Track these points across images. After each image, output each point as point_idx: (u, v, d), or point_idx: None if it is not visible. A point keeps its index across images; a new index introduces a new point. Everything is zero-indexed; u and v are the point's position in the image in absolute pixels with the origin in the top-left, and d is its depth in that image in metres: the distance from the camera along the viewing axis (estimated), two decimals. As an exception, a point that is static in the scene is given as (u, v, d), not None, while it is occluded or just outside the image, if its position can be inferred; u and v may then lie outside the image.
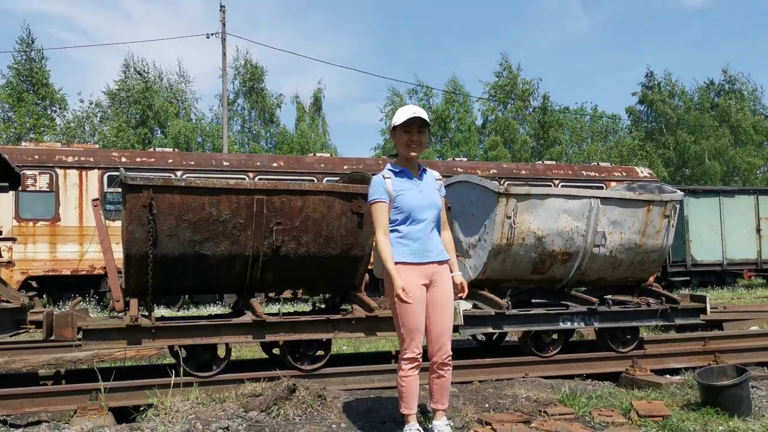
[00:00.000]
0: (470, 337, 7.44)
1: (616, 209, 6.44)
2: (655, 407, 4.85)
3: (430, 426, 4.06)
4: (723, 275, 19.98)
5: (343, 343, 9.10)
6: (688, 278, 19.31)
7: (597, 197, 6.35)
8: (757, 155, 42.09)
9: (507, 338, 7.83)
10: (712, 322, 9.95)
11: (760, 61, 68.48)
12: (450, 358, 4.00)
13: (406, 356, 3.92)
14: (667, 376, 6.35)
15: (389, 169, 4.01)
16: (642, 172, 19.88)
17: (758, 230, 19.55)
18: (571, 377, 6.16)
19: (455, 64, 75.89)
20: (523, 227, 6.14)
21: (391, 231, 3.92)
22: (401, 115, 3.90)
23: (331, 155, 19.40)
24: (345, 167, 16.04)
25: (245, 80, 38.44)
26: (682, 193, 6.80)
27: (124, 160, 14.90)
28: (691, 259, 19.05)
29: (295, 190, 5.47)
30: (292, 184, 5.70)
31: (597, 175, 18.87)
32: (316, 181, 15.38)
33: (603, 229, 6.41)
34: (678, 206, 6.68)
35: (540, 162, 22.29)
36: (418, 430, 3.96)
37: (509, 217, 6.06)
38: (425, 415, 4.61)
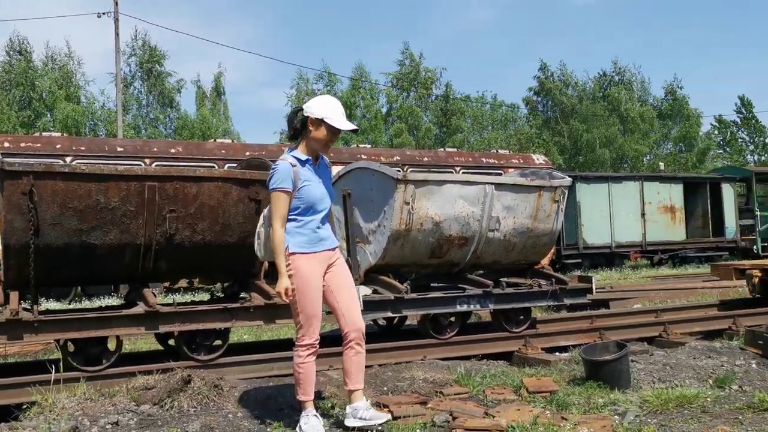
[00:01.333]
0: (371, 322, 7.51)
1: (510, 195, 6.65)
2: (544, 383, 5.07)
3: (350, 410, 4.03)
4: (612, 257, 21.06)
5: (244, 332, 8.98)
6: (580, 260, 20.23)
7: (491, 183, 6.54)
8: (644, 143, 44.61)
9: (407, 322, 7.96)
10: (600, 301, 10.50)
11: (647, 54, 72.41)
12: (364, 333, 4.08)
13: (303, 342, 3.95)
14: (557, 353, 6.64)
15: (295, 157, 3.94)
16: (538, 159, 20.63)
17: (643, 214, 20.72)
18: (467, 358, 6.34)
19: (361, 51, 75.97)
20: (421, 213, 6.25)
21: (290, 219, 3.91)
22: (338, 118, 3.89)
23: (233, 141, 19.00)
24: (247, 153, 15.74)
25: (142, 62, 36.96)
26: (571, 179, 7.12)
27: (7, 145, 14.02)
28: (583, 243, 19.97)
29: (189, 176, 5.33)
30: (186, 169, 5.56)
31: (496, 162, 19.43)
32: (216, 167, 15.02)
33: (497, 214, 6.61)
34: (566, 192, 6.99)
35: (442, 149, 22.72)
36: (315, 416, 3.98)
37: (408, 203, 6.14)
38: (327, 400, 4.64)
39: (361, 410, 4.00)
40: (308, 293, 3.88)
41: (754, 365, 5.51)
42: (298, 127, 3.97)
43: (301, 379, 3.97)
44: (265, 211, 4.13)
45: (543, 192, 6.81)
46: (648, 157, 45.32)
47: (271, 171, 3.93)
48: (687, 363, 5.59)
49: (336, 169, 6.57)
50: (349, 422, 4.00)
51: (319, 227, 3.97)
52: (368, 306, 6.06)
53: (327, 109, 3.90)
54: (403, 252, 6.36)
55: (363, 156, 16.59)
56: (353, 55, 66.88)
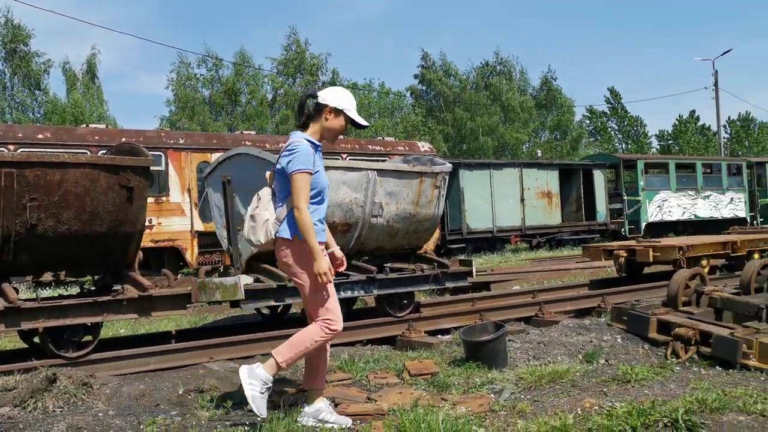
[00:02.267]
0: (254, 311, 7.37)
1: (392, 181, 6.70)
2: (425, 366, 5.16)
3: (312, 410, 3.85)
4: (494, 241, 21.80)
5: (120, 325, 8.57)
6: (464, 245, 20.80)
7: (374, 169, 6.56)
8: (523, 132, 46.42)
9: (293, 310, 7.88)
10: (482, 284, 10.83)
11: (527, 45, 75.34)
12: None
13: (333, 327, 3.78)
14: (439, 336, 6.80)
15: (310, 141, 3.79)
16: (423, 146, 20.97)
17: (522, 200, 21.56)
18: (352, 344, 6.36)
19: (245, 35, 74.22)
20: (303, 199, 6.16)
21: None
22: (355, 112, 3.87)
23: (108, 126, 18.04)
24: (123, 139, 14.98)
25: (5, 42, 34.33)
26: (451, 165, 7.27)
27: None
28: (467, 228, 20.53)
29: (51, 162, 4.98)
30: (48, 155, 5.19)
31: (382, 149, 19.57)
32: (90, 154, 14.21)
33: (380, 200, 6.64)
34: (447, 177, 7.13)
35: (328, 136, 22.54)
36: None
37: (289, 190, 6.04)
38: (206, 393, 4.49)
39: (323, 412, 3.85)
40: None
41: (619, 340, 5.84)
42: (312, 113, 3.85)
43: (301, 351, 3.77)
44: (262, 192, 3.91)
45: (425, 178, 6.91)
46: (527, 145, 47.23)
47: (292, 151, 3.70)
48: (559, 340, 5.85)
49: (216, 156, 6.37)
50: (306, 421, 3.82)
51: (325, 217, 3.89)
52: (250, 295, 5.93)
53: (347, 101, 3.86)
54: (286, 239, 6.26)
55: (247, 143, 16.20)
56: (236, 40, 65.09)
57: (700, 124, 61.83)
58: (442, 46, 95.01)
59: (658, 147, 61.03)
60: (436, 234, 18.22)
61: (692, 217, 24.81)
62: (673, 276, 6.45)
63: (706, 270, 9.61)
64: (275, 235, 3.75)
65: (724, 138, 50.34)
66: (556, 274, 12.36)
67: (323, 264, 3.64)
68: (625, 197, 23.72)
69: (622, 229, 23.54)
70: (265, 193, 3.90)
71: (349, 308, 7.08)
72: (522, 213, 21.60)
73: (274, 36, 77.63)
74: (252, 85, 39.25)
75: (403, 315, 6.95)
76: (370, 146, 19.52)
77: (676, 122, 61.56)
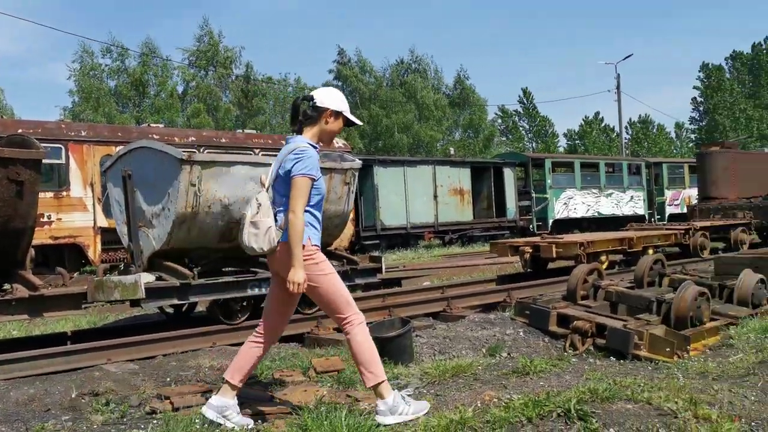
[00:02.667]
0: (157, 310, 7.15)
1: (301, 177, 6.63)
2: (332, 363, 5.14)
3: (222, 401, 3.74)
4: (408, 237, 22.03)
5: (13, 326, 8.12)
6: (378, 241, 20.92)
7: (282, 165, 6.47)
8: (438, 130, 47.16)
9: (199, 308, 7.69)
10: (393, 280, 10.93)
11: (441, 44, 76.47)
12: None
13: (359, 320, 3.75)
14: (348, 332, 6.79)
15: (314, 147, 3.72)
16: (337, 142, 20.90)
17: (435, 197, 21.88)
18: (259, 342, 6.26)
19: (156, 26, 71.86)
20: (209, 195, 6.02)
21: (306, 211, 3.65)
22: (349, 110, 3.87)
23: (3, 117, 17.05)
24: (19, 130, 14.20)
25: None
26: (361, 161, 7.27)
27: None
28: (381, 224, 20.65)
29: (-71, 154, 4.65)
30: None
31: (296, 144, 19.39)
32: (-18, 146, 13.38)
33: (288, 196, 6.56)
34: (357, 174, 7.13)
35: (241, 131, 22.21)
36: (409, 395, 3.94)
37: (194, 185, 5.89)
38: (102, 396, 4.31)
39: (230, 410, 3.76)
40: (338, 278, 3.80)
41: (521, 333, 6.01)
42: (309, 116, 3.78)
43: (373, 355, 3.74)
44: (261, 197, 3.73)
45: (334, 174, 6.88)
46: (441, 143, 48.01)
47: (301, 155, 3.61)
48: (465, 335, 5.96)
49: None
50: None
51: (320, 221, 3.85)
52: (151, 293, 5.75)
53: (344, 102, 3.86)
54: (190, 236, 6.10)
55: (154, 136, 15.69)
56: (143, 29, 62.88)
57: (604, 124, 64.69)
58: (358, 42, 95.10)
59: (565, 146, 63.40)
60: (350, 230, 18.25)
61: (596, 214, 25.88)
62: (572, 271, 6.69)
63: (605, 265, 10.04)
64: (278, 241, 3.67)
65: (626, 139, 52.83)
66: (466, 269, 12.62)
67: (300, 274, 3.57)
68: (534, 195, 24.47)
69: (531, 226, 24.27)
70: (265, 198, 3.75)
71: (257, 306, 6.95)
72: (435, 210, 21.90)
73: (186, 27, 75.54)
74: (161, 76, 38.03)
75: (312, 312, 6.90)
76: (283, 142, 19.28)
77: (582, 123, 64.14)
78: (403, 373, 4.86)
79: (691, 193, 24.82)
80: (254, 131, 23.02)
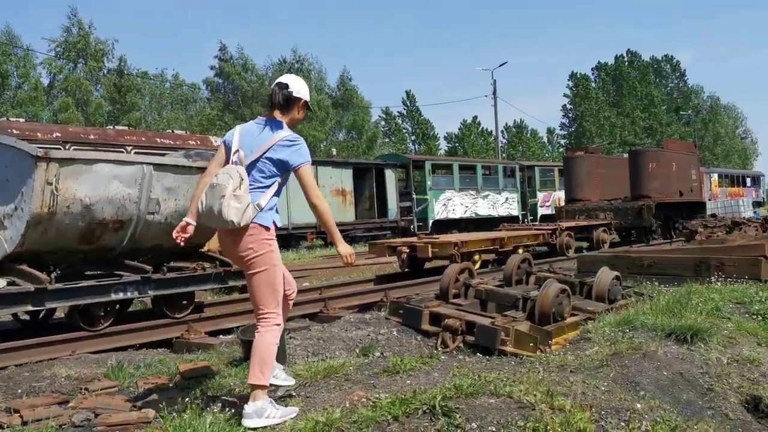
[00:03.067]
0: (11, 317, 6.65)
1: (171, 176, 6.40)
2: (200, 368, 4.98)
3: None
4: (289, 238, 21.82)
5: None
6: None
7: (150, 163, 6.21)
8: (321, 130, 47.12)
9: (57, 315, 7.23)
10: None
11: (325, 44, 76.36)
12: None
13: (277, 321, 3.87)
14: (221, 336, 6.62)
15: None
16: (216, 141, 20.38)
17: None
18: (124, 349, 5.97)
19: (20, 14, 67.17)
20: (67, 195, 5.67)
21: (276, 195, 3.82)
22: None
23: None
24: None
25: None
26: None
27: None
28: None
29: None
30: None
31: (172, 142, 18.69)
32: None
33: (157, 195, 6.31)
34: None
35: (111, 127, 21.15)
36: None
37: (51, 184, 5.52)
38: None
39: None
40: (280, 273, 3.89)
41: (395, 333, 6.08)
42: (282, 104, 3.89)
43: (271, 359, 3.79)
44: (241, 171, 3.65)
45: (206, 173, 6.68)
46: (324, 144, 48.02)
47: (295, 143, 3.79)
48: (339, 335, 5.96)
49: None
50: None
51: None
52: (2, 300, 5.33)
53: (306, 93, 3.99)
54: (47, 238, 5.72)
55: (14, 131, 14.63)
56: (5, 17, 58.55)
57: (481, 128, 67.08)
58: (240, 39, 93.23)
59: (446, 149, 65.21)
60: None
61: (473, 215, 26.76)
62: (445, 270, 6.86)
63: (478, 264, 10.39)
64: (251, 220, 3.66)
65: (502, 142, 55.05)
66: (346, 270, 12.64)
67: (347, 247, 4.02)
68: (414, 196, 24.95)
69: (412, 227, 24.73)
70: (245, 174, 3.68)
71: (124, 310, 6.64)
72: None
73: (53, 16, 71.13)
74: (23, 67, 35.55)
75: (183, 316, 6.68)
76: (158, 139, 18.59)
77: (461, 126, 66.18)
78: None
79: (561, 195, 26.20)
80: (127, 127, 21.97)
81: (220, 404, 4.08)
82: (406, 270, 10.60)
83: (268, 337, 3.80)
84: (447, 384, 3.88)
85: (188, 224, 3.82)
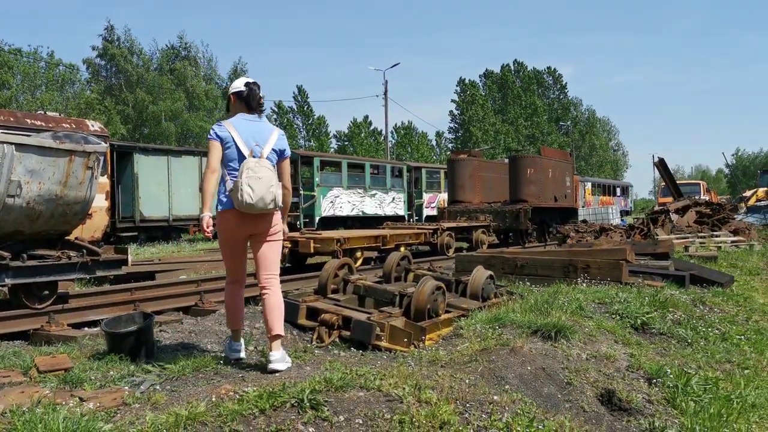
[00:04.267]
0: None
1: (35, 158, 6.00)
2: (59, 361, 4.69)
3: None
4: (170, 230, 21.10)
5: None
6: (136, 233, 19.77)
7: (11, 143, 5.79)
8: (209, 121, 45.84)
9: None
10: (147, 273, 10.36)
11: (218, 34, 74.40)
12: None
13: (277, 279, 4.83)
14: (86, 328, 6.29)
15: None
16: (93, 125, 19.34)
17: (201, 189, 21.17)
18: (-27, 341, 5.54)
19: None
20: None
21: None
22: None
23: None
24: None
25: None
26: (106, 145, 6.76)
27: None
28: (140, 215, 19.54)
29: None
30: None
31: (44, 124, 17.57)
32: None
33: (19, 178, 5.89)
34: (102, 158, 6.61)
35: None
36: None
37: None
38: None
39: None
40: (224, 248, 4.88)
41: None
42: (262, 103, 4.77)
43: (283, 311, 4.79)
44: (269, 165, 4.52)
45: (75, 157, 6.31)
46: (212, 135, 46.74)
47: (284, 137, 4.74)
48: (213, 329, 5.81)
49: None
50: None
51: None
52: None
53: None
54: None
55: None
56: None
57: (372, 128, 67.68)
58: (127, 20, 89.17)
59: (336, 146, 65.27)
60: (104, 221, 16.99)
61: (360, 213, 26.94)
62: (324, 266, 6.84)
63: (360, 261, 10.46)
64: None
65: (391, 143, 55.76)
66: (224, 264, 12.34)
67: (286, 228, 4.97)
68: (302, 192, 24.77)
69: (298, 223, 24.55)
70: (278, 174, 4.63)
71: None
72: (200, 203, 21.18)
73: None
74: None
75: (44, 307, 6.28)
76: (28, 120, 17.42)
77: (351, 125, 66.47)
78: (140, 369, 4.57)
79: (446, 197, 26.89)
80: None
81: (77, 399, 3.87)
82: (288, 265, 10.50)
83: (280, 294, 4.71)
84: (317, 377, 3.86)
85: (212, 218, 4.53)
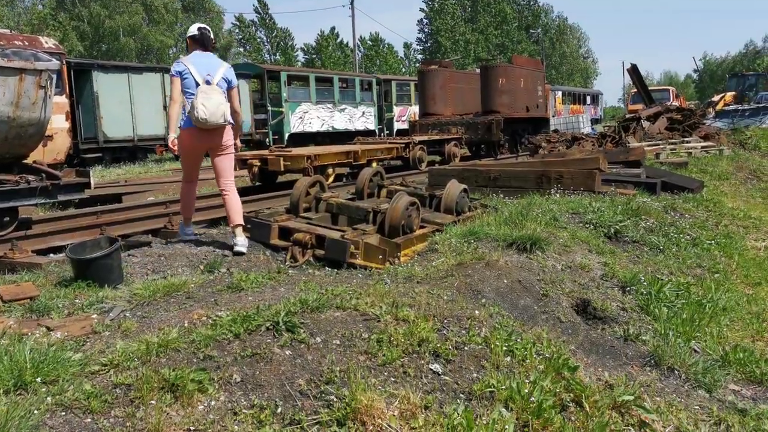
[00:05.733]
0: None
1: (-18, 77, 5.63)
2: (23, 289, 4.55)
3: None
4: (135, 151, 20.58)
5: None
6: (101, 155, 19.24)
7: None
8: (169, 35, 44.17)
9: None
10: (113, 195, 10.10)
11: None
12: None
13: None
14: (51, 255, 6.11)
15: None
16: (47, 42, 18.42)
17: (165, 107, 20.56)
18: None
19: None
20: None
21: None
22: None
23: None
24: None
25: None
26: (58, 62, 6.38)
27: None
28: (103, 136, 18.97)
29: None
30: None
31: (-7, 42, 16.68)
32: None
33: (-34, 99, 5.54)
34: (55, 76, 6.24)
35: None
36: None
37: None
38: None
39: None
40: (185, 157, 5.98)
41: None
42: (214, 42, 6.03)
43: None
44: (219, 90, 5.67)
45: (26, 75, 5.94)
46: (173, 50, 45.19)
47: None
48: (183, 252, 5.67)
49: None
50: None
51: None
52: None
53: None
54: None
55: None
56: None
57: (339, 40, 65.92)
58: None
59: (303, 60, 63.64)
60: (67, 142, 16.45)
61: (330, 129, 26.51)
62: (295, 184, 6.68)
63: (332, 178, 10.30)
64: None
65: (359, 56, 54.48)
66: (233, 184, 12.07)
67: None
68: (269, 108, 24.20)
69: (267, 140, 24.10)
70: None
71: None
72: (165, 121, 20.61)
73: None
74: None
75: (5, 234, 6.06)
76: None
77: (318, 37, 64.62)
78: (109, 296, 4.44)
79: (417, 110, 26.53)
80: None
81: (44, 329, 3.75)
82: (258, 184, 10.30)
83: (236, 194, 5.90)
84: (292, 299, 3.77)
85: (176, 138, 5.61)
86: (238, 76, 23.13)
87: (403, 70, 69.57)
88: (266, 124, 24.24)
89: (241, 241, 5.70)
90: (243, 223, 5.78)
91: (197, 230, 6.79)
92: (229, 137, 5.79)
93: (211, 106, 5.43)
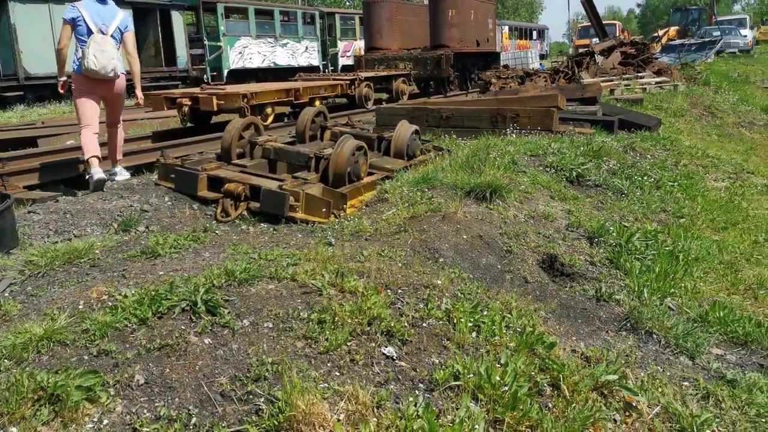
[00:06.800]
0: None
1: None
2: None
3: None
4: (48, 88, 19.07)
5: None
6: (22, 93, 17.78)
7: None
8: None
9: None
10: (28, 139, 9.12)
11: None
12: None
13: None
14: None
15: None
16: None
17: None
18: None
19: None
20: None
21: None
22: None
23: None
24: None
25: None
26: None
27: None
28: (24, 72, 17.48)
29: None
30: None
31: None
32: None
33: None
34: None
35: None
36: None
37: None
38: None
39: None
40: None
41: (167, 201, 5.17)
42: None
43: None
44: (113, 41, 5.78)
45: None
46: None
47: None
48: (95, 207, 4.92)
49: None
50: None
51: None
52: None
53: None
54: None
55: None
56: None
57: (281, -29, 63.05)
58: None
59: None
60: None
61: (272, 64, 25.24)
62: (226, 126, 5.93)
63: (271, 118, 9.50)
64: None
65: (302, -13, 52.20)
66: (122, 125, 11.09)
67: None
68: (207, 42, 22.79)
69: (205, 76, 22.78)
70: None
71: None
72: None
73: None
74: None
75: None
76: None
77: (260, -32, 61.68)
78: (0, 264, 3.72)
79: (362, 45, 25.45)
80: None
81: None
82: (190, 125, 9.42)
83: (121, 132, 6.28)
84: (215, 270, 3.13)
85: (67, 79, 5.86)
86: (172, 7, 21.86)
87: (348, 3, 67.26)
88: (203, 60, 22.84)
89: (120, 170, 6.18)
90: (121, 157, 6.33)
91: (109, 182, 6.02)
92: (120, 86, 5.91)
93: (103, 59, 5.52)
